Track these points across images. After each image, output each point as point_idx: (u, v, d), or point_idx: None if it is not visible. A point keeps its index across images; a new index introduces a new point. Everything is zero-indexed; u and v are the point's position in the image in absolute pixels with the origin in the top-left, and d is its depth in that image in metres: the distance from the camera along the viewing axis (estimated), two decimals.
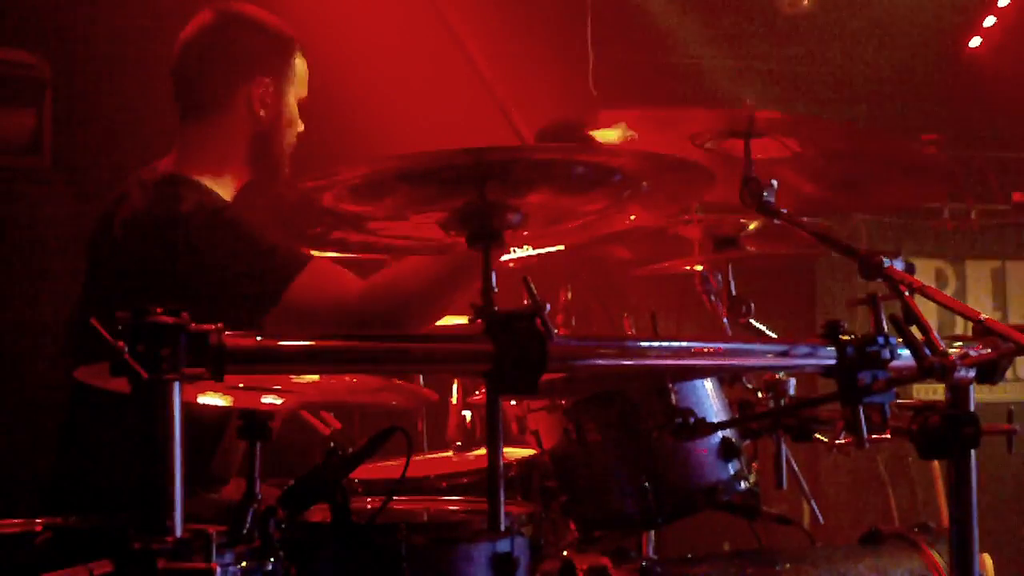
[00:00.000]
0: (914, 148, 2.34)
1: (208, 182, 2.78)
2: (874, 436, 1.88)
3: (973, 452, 1.88)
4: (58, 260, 4.41)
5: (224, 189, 2.82)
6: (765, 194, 2.09)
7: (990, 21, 5.86)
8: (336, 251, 3.42)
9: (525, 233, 2.05)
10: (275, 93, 2.83)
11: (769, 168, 2.17)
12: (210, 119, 2.82)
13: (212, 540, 1.46)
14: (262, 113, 2.81)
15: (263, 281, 2.57)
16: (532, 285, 1.67)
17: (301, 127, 2.94)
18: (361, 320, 2.55)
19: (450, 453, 3.03)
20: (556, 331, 1.65)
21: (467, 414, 3.05)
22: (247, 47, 2.82)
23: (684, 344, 1.89)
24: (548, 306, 1.66)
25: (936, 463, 4.49)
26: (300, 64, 2.91)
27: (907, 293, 1.87)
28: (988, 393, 1.92)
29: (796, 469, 2.55)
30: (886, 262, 1.90)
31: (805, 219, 2.16)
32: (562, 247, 2.88)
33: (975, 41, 5.91)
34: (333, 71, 4.68)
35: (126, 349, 1.39)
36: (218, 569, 1.45)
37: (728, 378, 2.61)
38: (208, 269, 2.58)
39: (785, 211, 2.11)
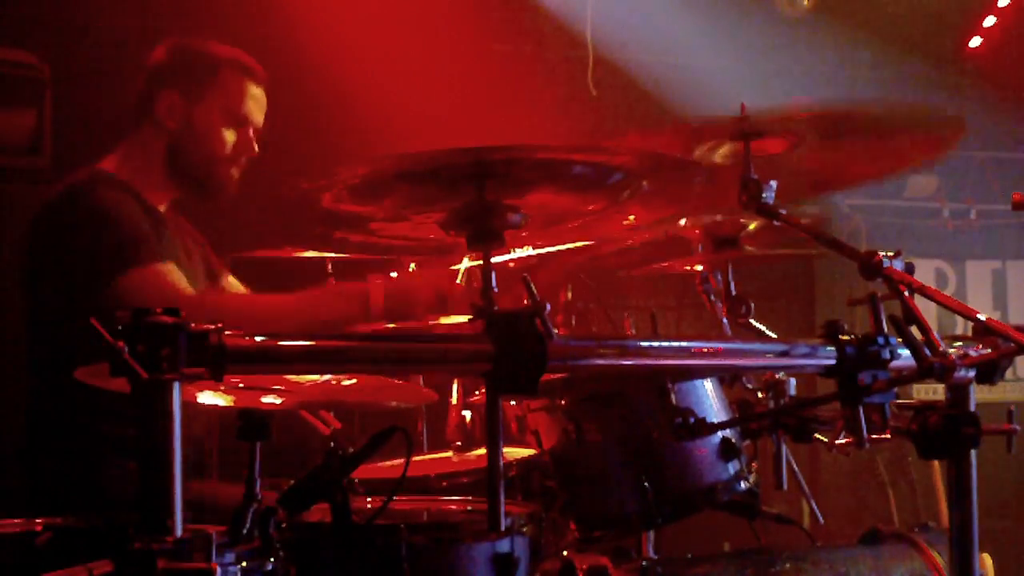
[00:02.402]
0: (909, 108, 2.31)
1: (138, 185, 2.95)
2: (874, 436, 1.88)
3: (973, 452, 1.88)
4: None
5: (154, 196, 2.98)
6: (764, 194, 2.09)
7: (990, 21, 5.86)
8: (336, 251, 3.43)
9: (524, 233, 2.05)
10: (184, 106, 2.98)
11: (769, 165, 2.17)
12: (134, 128, 3.04)
13: (212, 540, 1.46)
14: (170, 125, 2.98)
15: (99, 259, 2.71)
16: (532, 285, 1.67)
17: (245, 145, 3.04)
18: None
19: (450, 453, 3.03)
20: (556, 331, 1.65)
21: (467, 414, 3.05)
22: (162, 63, 3.04)
23: (684, 344, 1.89)
24: (548, 306, 1.66)
25: (936, 463, 4.49)
26: (235, 85, 3.03)
27: (907, 293, 1.87)
28: (988, 393, 1.92)
29: (796, 469, 2.55)
30: (886, 262, 1.90)
31: (804, 219, 2.16)
32: (563, 247, 2.88)
33: (975, 41, 5.91)
34: (333, 71, 4.69)
35: (126, 349, 1.39)
36: (218, 569, 1.45)
37: (728, 378, 2.61)
38: (63, 241, 2.79)
39: (785, 211, 2.11)
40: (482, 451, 2.87)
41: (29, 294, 2.90)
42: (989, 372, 1.90)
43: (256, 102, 3.06)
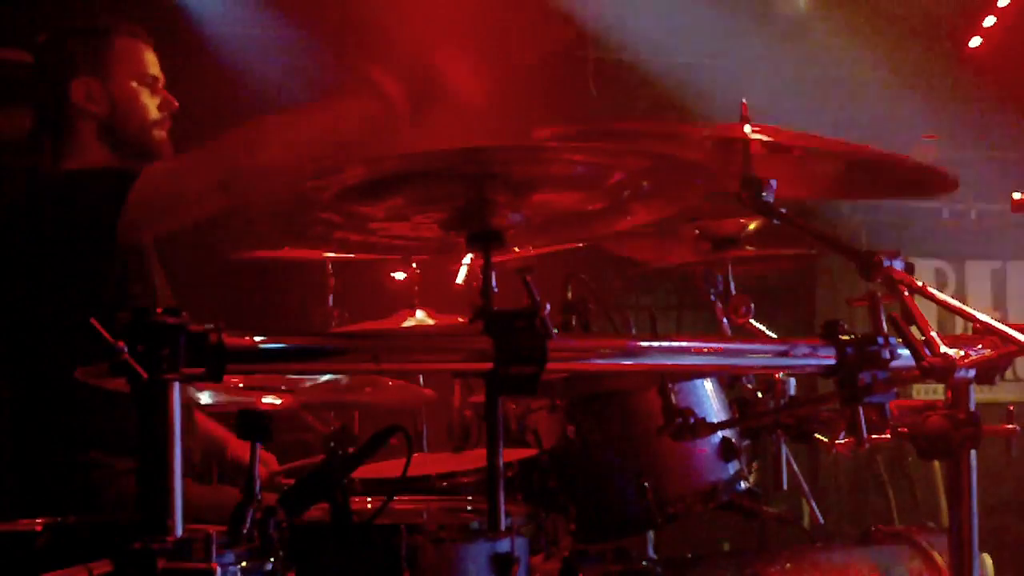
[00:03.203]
0: (906, 163, 2.34)
1: None
2: (874, 436, 1.88)
3: (973, 452, 1.88)
4: None
5: None
6: (764, 194, 2.09)
7: (990, 21, 5.86)
8: (336, 251, 3.43)
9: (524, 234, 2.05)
10: (101, 87, 2.93)
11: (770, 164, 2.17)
12: (58, 127, 2.98)
13: (212, 540, 1.46)
14: (95, 109, 2.93)
15: (109, 184, 2.71)
16: (532, 285, 1.67)
17: (166, 103, 3.01)
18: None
19: (450, 453, 3.03)
20: (556, 331, 1.65)
21: (467, 414, 3.05)
22: (60, 52, 2.99)
23: (684, 344, 1.89)
24: (548, 306, 1.66)
25: (936, 463, 4.49)
26: (133, 49, 2.99)
27: (907, 293, 1.87)
28: (988, 393, 1.91)
29: (796, 469, 2.55)
30: (886, 262, 1.90)
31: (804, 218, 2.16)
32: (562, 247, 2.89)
33: (975, 41, 5.91)
34: (335, 71, 4.69)
35: (126, 349, 1.39)
36: (218, 569, 1.45)
37: (728, 378, 2.61)
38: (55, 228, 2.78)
39: (784, 211, 2.11)
40: (482, 451, 2.87)
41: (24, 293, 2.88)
42: (989, 372, 1.90)
43: (153, 61, 3.02)
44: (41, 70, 3.02)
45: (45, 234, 2.78)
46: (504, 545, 1.77)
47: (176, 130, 3.01)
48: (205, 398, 2.29)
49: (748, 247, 2.88)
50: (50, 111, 2.99)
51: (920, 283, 1.89)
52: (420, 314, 3.52)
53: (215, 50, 4.65)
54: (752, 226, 2.84)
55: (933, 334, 1.79)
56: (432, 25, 4.71)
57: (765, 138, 2.16)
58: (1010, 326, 1.84)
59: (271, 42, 4.72)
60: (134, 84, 2.95)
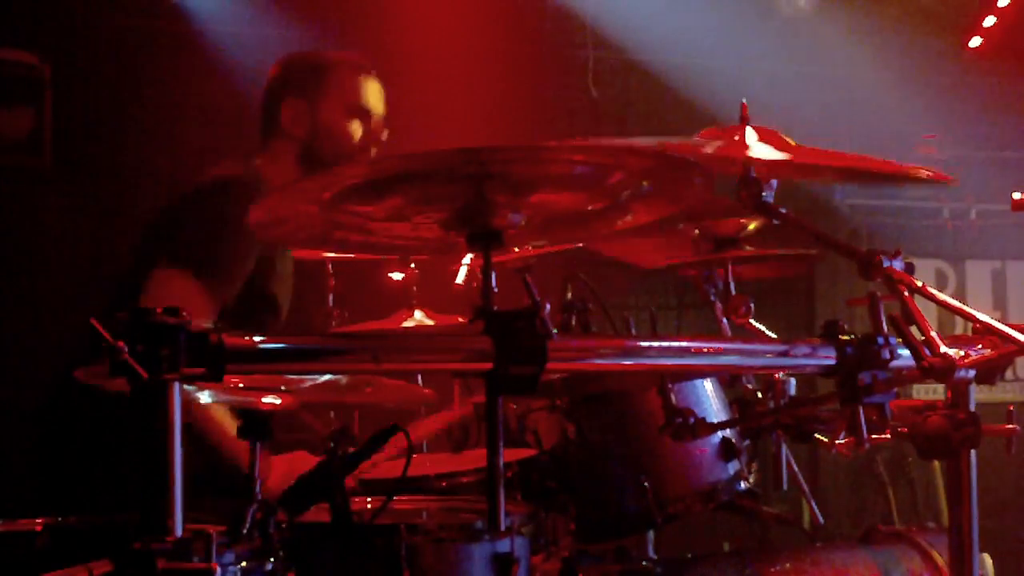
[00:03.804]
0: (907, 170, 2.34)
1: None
2: (874, 436, 1.88)
3: (973, 452, 1.88)
4: (58, 259, 4.42)
5: None
6: (764, 194, 2.08)
7: (990, 21, 5.86)
8: (336, 251, 3.43)
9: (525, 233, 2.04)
10: (308, 111, 3.13)
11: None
12: (264, 145, 3.18)
13: (212, 540, 1.46)
14: (298, 132, 3.12)
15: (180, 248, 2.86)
16: (532, 285, 1.67)
17: (371, 136, 3.17)
18: None
19: (450, 453, 3.02)
20: (555, 331, 1.65)
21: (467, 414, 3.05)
22: (278, 76, 3.21)
23: (684, 344, 1.89)
24: (548, 306, 1.66)
25: (936, 463, 4.49)
26: (350, 80, 3.18)
27: (907, 293, 1.87)
28: (988, 393, 1.91)
29: (796, 469, 2.55)
30: (886, 262, 1.90)
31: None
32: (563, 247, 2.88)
33: (975, 41, 5.91)
34: None
35: (126, 349, 1.39)
36: (218, 569, 1.45)
37: (728, 378, 2.61)
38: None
39: (784, 211, 2.11)
40: (482, 451, 2.87)
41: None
42: (989, 372, 1.90)
43: (373, 93, 3.19)
44: (267, 88, 3.21)
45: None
46: (504, 545, 1.77)
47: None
48: (205, 397, 2.29)
49: (748, 247, 2.88)
50: (265, 126, 3.17)
51: (920, 283, 1.89)
52: (419, 314, 3.52)
53: (215, 49, 4.65)
54: (752, 226, 2.84)
55: (933, 334, 1.78)
56: (432, 26, 4.72)
57: (765, 156, 2.16)
58: (1010, 326, 1.84)
59: (271, 42, 4.72)
60: (340, 112, 3.13)
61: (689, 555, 2.58)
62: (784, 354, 1.95)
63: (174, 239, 2.87)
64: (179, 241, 2.86)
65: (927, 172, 2.23)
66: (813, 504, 2.83)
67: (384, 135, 3.19)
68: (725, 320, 2.77)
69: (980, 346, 1.89)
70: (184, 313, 1.43)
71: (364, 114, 3.16)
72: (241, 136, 3.36)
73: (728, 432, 2.53)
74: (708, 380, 2.57)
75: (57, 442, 2.80)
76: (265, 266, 2.99)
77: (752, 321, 2.71)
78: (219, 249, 2.86)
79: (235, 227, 2.80)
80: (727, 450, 2.53)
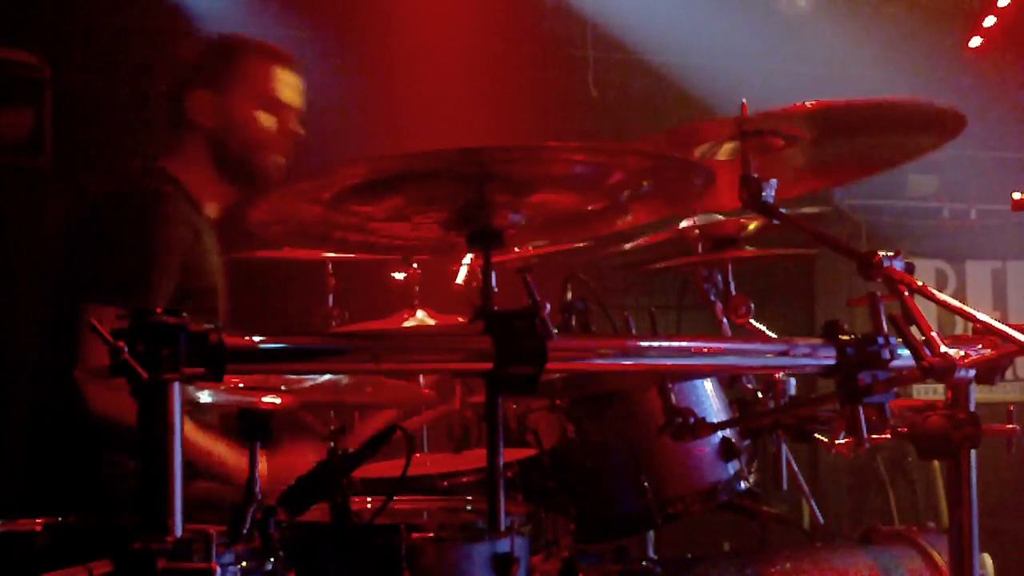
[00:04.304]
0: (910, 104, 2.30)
1: (194, 192, 2.95)
2: (874, 436, 1.88)
3: (973, 452, 1.88)
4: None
5: (209, 202, 2.98)
6: (764, 194, 2.08)
7: (990, 21, 5.86)
8: (336, 251, 3.43)
9: (525, 233, 2.05)
10: (215, 102, 2.95)
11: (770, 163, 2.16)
12: (173, 138, 3.01)
13: (212, 540, 1.46)
14: (206, 123, 2.95)
15: (108, 278, 2.71)
16: (532, 285, 1.67)
17: (288, 130, 3.02)
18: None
19: (450, 453, 3.03)
20: (555, 331, 1.65)
21: (467, 414, 3.05)
22: (183, 64, 3.03)
23: (684, 344, 1.89)
24: (548, 306, 1.66)
25: (936, 463, 4.49)
26: (261, 70, 3.00)
27: (907, 293, 1.87)
28: (988, 393, 1.91)
29: (796, 469, 2.55)
30: (886, 262, 1.90)
31: (803, 216, 2.15)
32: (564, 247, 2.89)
33: (975, 41, 5.91)
34: (333, 71, 4.69)
35: (126, 349, 1.39)
36: (218, 569, 1.45)
37: (728, 378, 2.61)
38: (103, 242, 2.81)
39: (785, 211, 2.10)
40: (482, 451, 2.87)
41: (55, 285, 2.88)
42: (989, 372, 1.90)
43: (288, 84, 3.03)
44: (171, 75, 3.04)
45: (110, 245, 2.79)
46: (504, 545, 1.77)
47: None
48: (205, 397, 2.29)
49: (748, 247, 2.88)
50: (170, 116, 3.00)
51: (920, 283, 1.88)
52: (420, 314, 3.52)
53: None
54: (752, 226, 2.84)
55: (933, 334, 1.78)
56: (433, 26, 4.71)
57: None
58: (1010, 326, 1.84)
59: (270, 42, 4.72)
60: (251, 104, 2.97)
61: (689, 555, 2.58)
62: (784, 354, 1.95)
63: (99, 276, 2.71)
64: (104, 277, 2.71)
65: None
66: (813, 504, 2.83)
67: (301, 131, 3.03)
68: (725, 320, 2.78)
69: (980, 346, 1.89)
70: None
71: (277, 106, 3.00)
72: None
73: (728, 432, 2.53)
74: (708, 380, 2.57)
75: (57, 441, 2.80)
76: (194, 262, 2.85)
77: (752, 321, 2.71)
78: (148, 274, 2.73)
79: (159, 246, 2.77)
80: (727, 450, 2.53)
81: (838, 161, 2.33)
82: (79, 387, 2.60)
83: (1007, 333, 1.82)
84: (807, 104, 2.00)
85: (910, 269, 1.92)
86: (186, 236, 2.82)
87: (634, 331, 2.66)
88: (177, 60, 3.05)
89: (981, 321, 1.86)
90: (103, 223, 2.82)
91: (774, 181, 2.08)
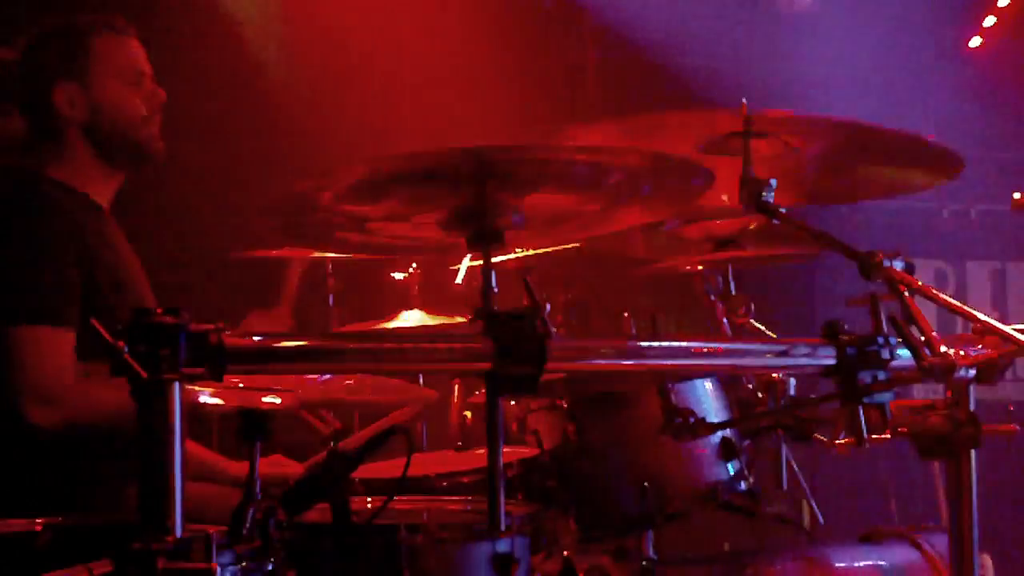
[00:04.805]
0: (913, 139, 2.32)
1: (79, 185, 2.87)
2: (874, 436, 1.88)
3: (973, 452, 1.88)
4: None
5: (98, 191, 2.90)
6: (764, 194, 2.08)
7: (990, 21, 5.86)
8: (336, 251, 3.43)
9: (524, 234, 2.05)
10: (82, 91, 2.87)
11: (770, 163, 2.17)
12: (47, 136, 2.91)
13: (212, 540, 1.46)
14: (78, 115, 2.87)
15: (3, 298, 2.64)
16: (532, 285, 1.67)
17: (152, 97, 2.94)
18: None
19: (450, 453, 3.03)
20: (555, 331, 1.65)
21: (467, 414, 3.06)
22: (36, 59, 2.92)
23: (684, 344, 1.89)
24: (548, 306, 1.66)
25: (936, 463, 4.48)
26: (113, 47, 2.92)
27: (907, 293, 1.87)
28: (988, 393, 1.91)
29: (796, 469, 2.55)
30: (886, 262, 1.90)
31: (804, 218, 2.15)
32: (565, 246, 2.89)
33: (975, 41, 5.91)
34: (334, 71, 4.69)
35: (126, 349, 1.39)
36: (218, 569, 1.45)
37: (728, 378, 2.61)
38: None
39: (784, 211, 2.11)
40: (482, 451, 2.87)
41: None
42: (989, 372, 1.90)
43: (138, 53, 2.95)
44: (24, 75, 2.93)
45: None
46: (504, 545, 1.77)
47: (175, 123, 2.99)
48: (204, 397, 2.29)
49: (748, 247, 2.88)
50: (38, 117, 2.91)
51: (920, 283, 1.89)
52: (420, 314, 3.52)
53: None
54: (752, 226, 2.84)
55: (933, 334, 1.79)
56: (433, 26, 4.71)
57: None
58: (1010, 326, 1.84)
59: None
60: (115, 84, 2.89)
61: (689, 555, 2.58)
62: (784, 354, 1.95)
63: (6, 296, 2.64)
64: (14, 297, 2.63)
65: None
66: (813, 504, 2.83)
67: (163, 96, 2.94)
68: (725, 320, 2.78)
69: (980, 346, 1.90)
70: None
71: (139, 78, 2.91)
72: (240, 135, 3.35)
73: (728, 432, 2.53)
74: (708, 380, 2.57)
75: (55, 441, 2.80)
76: (90, 255, 2.76)
77: (752, 321, 2.71)
78: (56, 284, 2.65)
79: (56, 252, 2.67)
80: (727, 450, 2.53)
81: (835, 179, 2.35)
82: (22, 412, 2.57)
83: (1007, 333, 1.82)
84: (813, 115, 2.01)
85: (910, 269, 1.92)
86: (70, 231, 2.74)
87: (634, 331, 2.66)
88: (26, 61, 2.94)
89: (981, 321, 1.86)
90: None
91: (774, 181, 2.08)
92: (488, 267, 1.86)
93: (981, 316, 1.87)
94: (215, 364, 1.44)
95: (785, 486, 2.41)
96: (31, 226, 2.72)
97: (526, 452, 2.71)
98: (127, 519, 1.46)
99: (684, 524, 2.57)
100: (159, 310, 1.42)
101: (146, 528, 1.40)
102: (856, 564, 2.59)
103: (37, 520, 2.00)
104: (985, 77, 5.77)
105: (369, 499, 2.22)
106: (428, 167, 1.78)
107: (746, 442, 2.58)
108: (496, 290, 1.82)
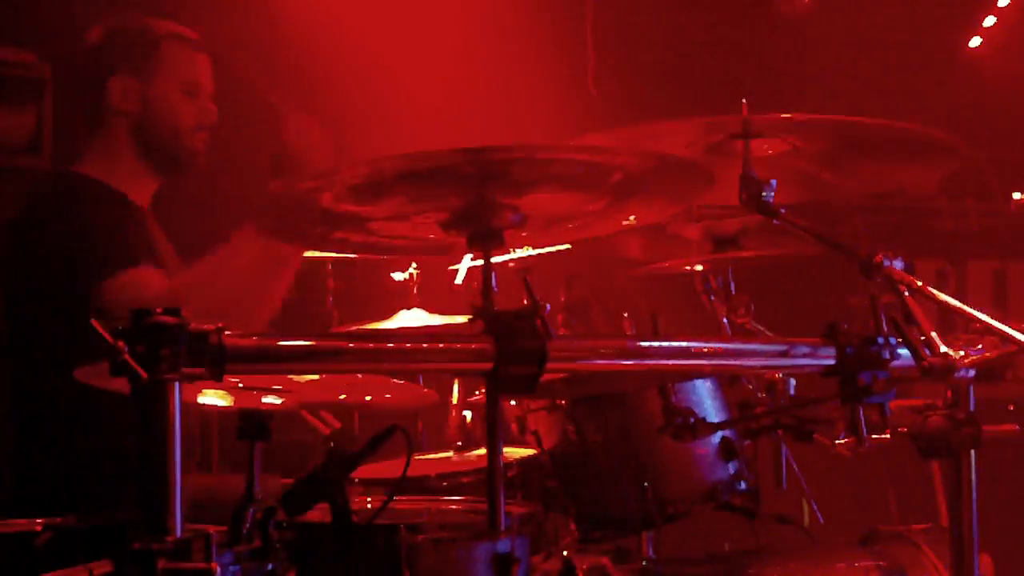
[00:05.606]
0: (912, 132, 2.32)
1: (115, 182, 2.92)
2: (874, 436, 1.88)
3: (973, 452, 1.88)
4: None
5: (135, 189, 2.96)
6: (764, 194, 2.08)
7: (990, 21, 5.86)
8: (336, 251, 3.43)
9: (525, 233, 2.05)
10: (138, 87, 2.94)
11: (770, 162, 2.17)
12: (94, 125, 2.99)
13: (212, 540, 1.46)
14: (129, 108, 2.93)
15: (73, 273, 2.70)
16: (532, 285, 1.67)
17: (205, 113, 3.01)
18: None
19: (450, 453, 3.03)
20: (556, 331, 1.65)
21: (467, 414, 3.06)
22: (103, 49, 3.00)
23: (684, 344, 1.89)
24: (548, 306, 1.66)
25: (936, 463, 4.48)
26: (181, 55, 3.00)
27: (907, 293, 1.87)
28: (988, 393, 1.91)
29: (796, 469, 2.56)
30: (886, 262, 1.90)
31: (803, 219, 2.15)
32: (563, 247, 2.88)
33: (975, 41, 5.91)
34: (334, 71, 4.69)
35: (126, 349, 1.39)
36: (218, 569, 1.45)
37: (728, 378, 2.61)
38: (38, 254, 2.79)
39: (784, 211, 2.11)
40: (482, 451, 2.87)
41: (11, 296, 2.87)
42: (989, 372, 1.90)
43: (203, 68, 3.03)
44: (85, 64, 3.02)
45: (47, 254, 2.77)
46: (504, 545, 1.77)
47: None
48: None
49: (748, 247, 2.88)
50: (87, 105, 2.99)
51: (920, 283, 1.89)
52: (419, 314, 3.52)
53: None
54: (752, 226, 2.84)
55: (933, 334, 1.79)
56: (432, 25, 4.71)
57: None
58: (1010, 326, 1.84)
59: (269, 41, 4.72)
60: (172, 88, 2.97)
61: (689, 555, 2.58)
62: (784, 354, 1.95)
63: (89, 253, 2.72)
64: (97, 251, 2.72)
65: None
66: (813, 504, 2.83)
67: (215, 115, 3.03)
68: (725, 320, 2.78)
69: (980, 346, 1.90)
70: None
71: (195, 90, 2.99)
72: (241, 135, 3.34)
73: (728, 432, 2.53)
74: (708, 380, 2.57)
75: (54, 441, 2.80)
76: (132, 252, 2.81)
77: (752, 321, 2.71)
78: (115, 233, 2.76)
79: (88, 246, 2.74)
80: (727, 450, 2.53)
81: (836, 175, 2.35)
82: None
83: (1007, 333, 1.82)
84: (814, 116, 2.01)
85: (910, 269, 1.92)
86: (108, 228, 2.79)
87: (634, 331, 2.66)
88: (90, 48, 3.01)
89: (981, 321, 1.86)
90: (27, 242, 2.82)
91: (774, 181, 2.08)
92: (488, 267, 1.86)
93: (981, 316, 1.87)
94: (215, 364, 1.44)
95: (785, 486, 2.41)
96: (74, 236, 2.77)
97: (526, 452, 2.71)
98: (127, 519, 1.46)
99: (684, 524, 2.57)
100: (159, 310, 1.42)
101: (146, 528, 1.40)
102: (856, 564, 2.59)
103: (37, 520, 2.00)
104: (985, 77, 5.77)
105: (369, 499, 2.22)
106: (428, 167, 1.78)
107: (746, 442, 2.58)
108: (496, 290, 1.82)
